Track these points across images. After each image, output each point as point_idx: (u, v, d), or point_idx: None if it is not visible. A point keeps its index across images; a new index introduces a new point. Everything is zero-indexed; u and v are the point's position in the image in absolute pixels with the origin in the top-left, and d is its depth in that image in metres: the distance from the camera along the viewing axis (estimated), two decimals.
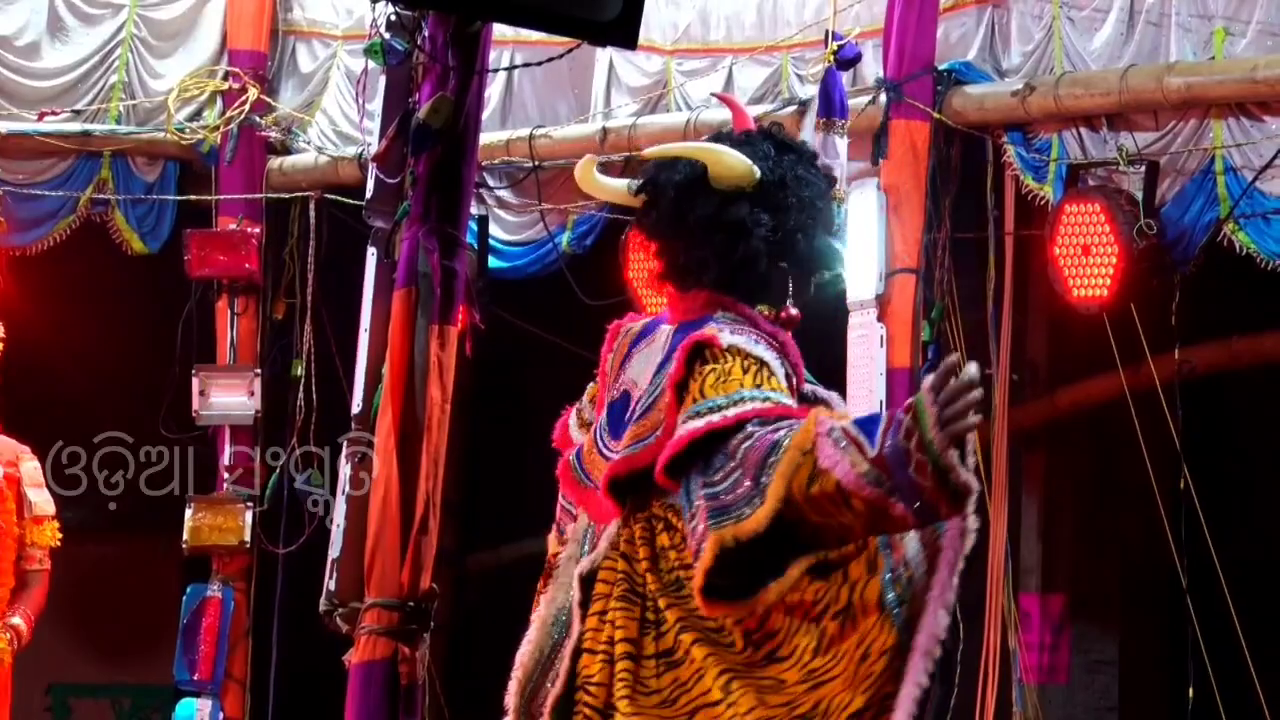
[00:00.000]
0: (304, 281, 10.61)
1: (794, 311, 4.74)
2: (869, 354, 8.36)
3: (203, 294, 10.69)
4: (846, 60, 8.20)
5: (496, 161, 9.91)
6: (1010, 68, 8.59)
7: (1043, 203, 8.46)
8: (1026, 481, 9.85)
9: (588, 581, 4.60)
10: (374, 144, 7.34)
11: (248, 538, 10.35)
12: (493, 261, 9.96)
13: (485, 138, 8.30)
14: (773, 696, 4.36)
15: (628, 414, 4.63)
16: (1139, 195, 8.02)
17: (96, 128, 10.56)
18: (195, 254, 10.53)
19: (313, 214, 10.55)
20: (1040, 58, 8.48)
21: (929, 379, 4.18)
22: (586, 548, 4.68)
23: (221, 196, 10.67)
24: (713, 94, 9.03)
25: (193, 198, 10.71)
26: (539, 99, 10.05)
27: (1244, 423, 10.42)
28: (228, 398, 10.49)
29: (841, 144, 8.13)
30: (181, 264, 10.55)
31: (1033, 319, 9.69)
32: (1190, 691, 8.44)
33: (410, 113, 6.98)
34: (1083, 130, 8.31)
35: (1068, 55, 8.36)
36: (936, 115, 8.51)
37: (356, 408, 7.18)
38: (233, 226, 10.62)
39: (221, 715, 10.38)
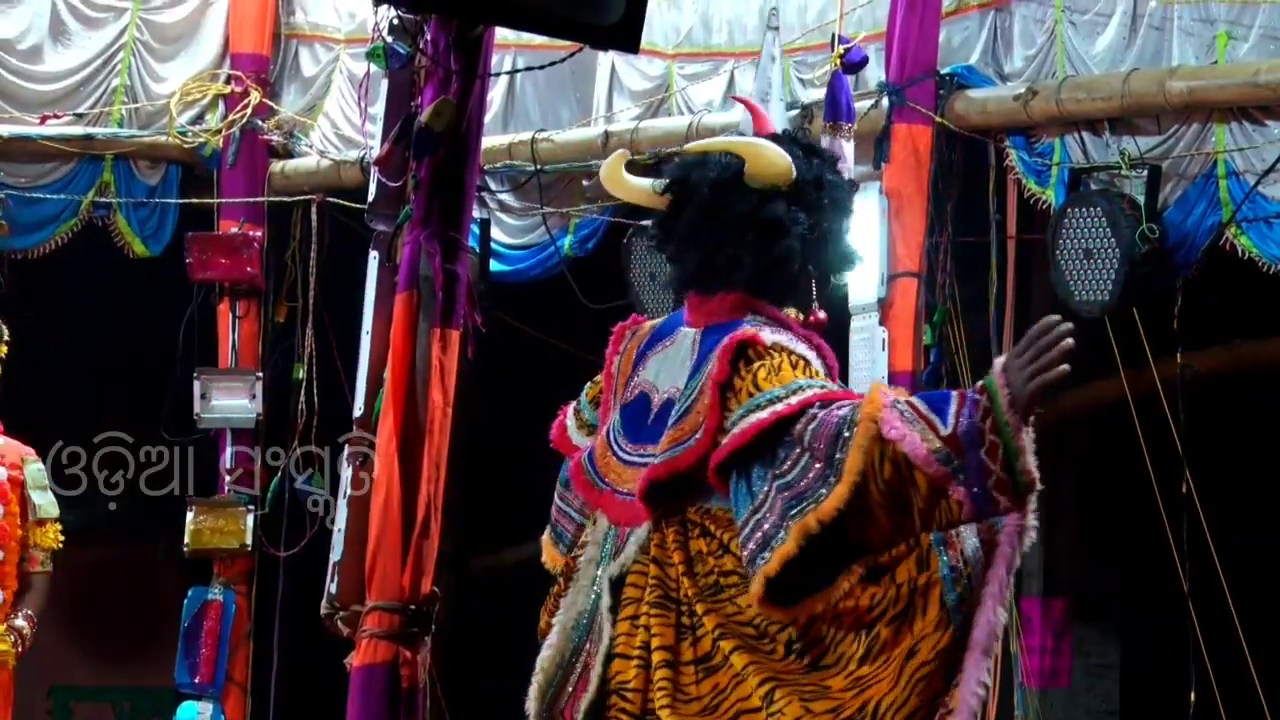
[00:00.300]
0: (305, 285, 10.62)
1: (821, 314, 4.71)
2: (871, 357, 8.36)
3: (204, 297, 10.70)
4: (853, 64, 8.19)
5: (499, 165, 9.91)
6: (1012, 71, 8.59)
7: (1045, 206, 8.46)
8: None
9: (616, 585, 4.55)
10: (376, 147, 7.33)
11: (249, 541, 10.36)
12: (495, 265, 9.97)
13: (487, 141, 8.30)
14: (817, 704, 4.30)
15: (650, 418, 4.58)
16: (1141, 199, 8.02)
17: (99, 131, 10.57)
18: (197, 257, 10.54)
19: (314, 217, 10.56)
20: (1042, 62, 8.48)
21: (1010, 353, 4.10)
22: (609, 550, 4.62)
23: (223, 200, 10.68)
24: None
25: (195, 201, 10.72)
26: (541, 103, 10.05)
27: (1246, 426, 10.41)
28: (229, 401, 10.49)
29: (848, 147, 8.12)
30: (183, 267, 10.56)
31: (1035, 323, 9.67)
32: (1192, 695, 8.43)
33: (412, 116, 6.97)
34: (1085, 134, 8.31)
35: (1070, 59, 8.36)
36: (939, 119, 8.51)
37: (358, 411, 7.17)
38: (235, 230, 10.63)
39: (222, 718, 10.38)
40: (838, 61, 8.11)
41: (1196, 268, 8.01)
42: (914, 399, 4.22)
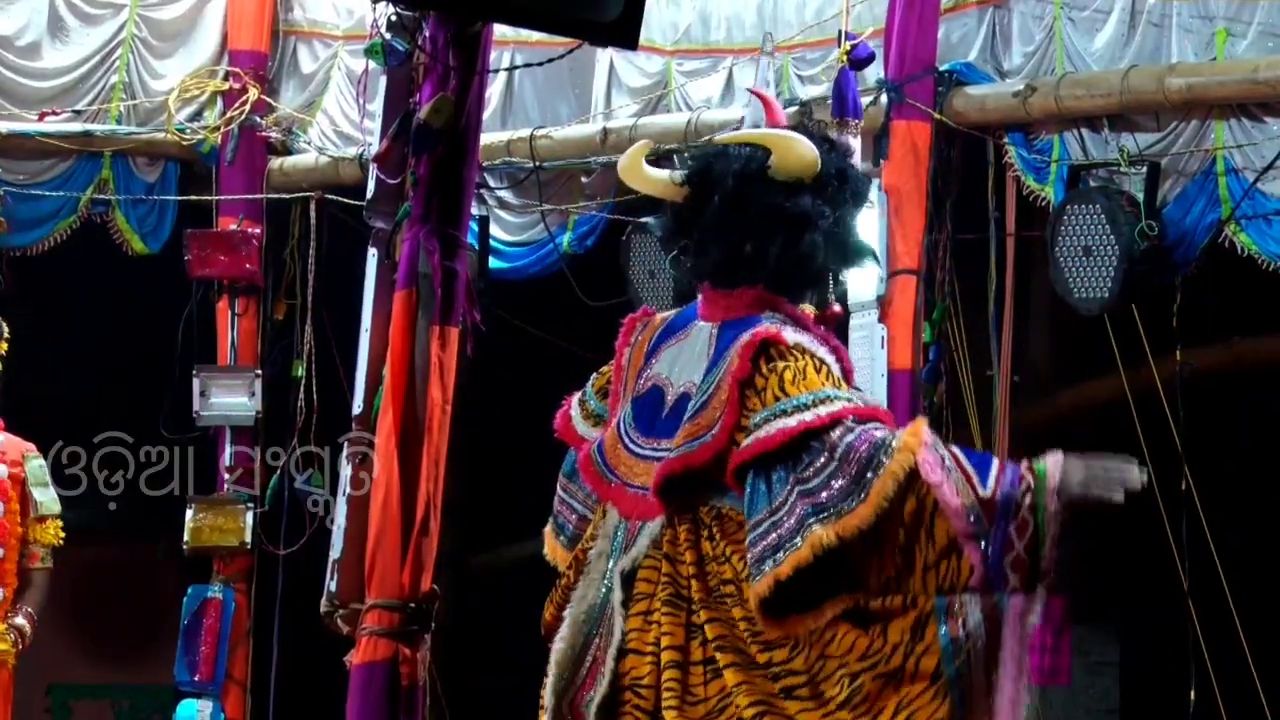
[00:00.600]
0: (304, 282, 10.61)
1: (837, 308, 4.69)
2: (870, 355, 8.35)
3: (203, 294, 10.70)
4: (860, 60, 8.16)
5: (497, 162, 9.91)
6: (1011, 68, 8.58)
7: (1044, 204, 8.45)
8: None
9: (628, 580, 4.52)
10: (375, 144, 7.32)
11: (248, 539, 10.35)
12: (493, 262, 9.96)
13: (486, 138, 8.29)
14: None
15: (664, 412, 4.55)
16: (1140, 196, 8.01)
17: (97, 128, 10.56)
18: (196, 254, 10.53)
19: (313, 214, 10.55)
20: (1041, 58, 8.47)
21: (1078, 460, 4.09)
22: (620, 544, 4.59)
23: (222, 197, 10.67)
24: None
25: (193, 198, 10.72)
26: (540, 99, 10.05)
27: (1246, 424, 10.41)
28: (228, 398, 10.49)
29: (855, 144, 8.10)
30: (182, 264, 10.56)
31: (1034, 320, 9.69)
32: (1192, 693, 8.43)
33: (411, 113, 6.97)
34: (1084, 131, 8.30)
35: (1069, 56, 8.36)
36: (937, 116, 8.50)
37: (357, 409, 7.16)
38: (233, 227, 10.63)
39: (222, 716, 10.38)
40: (844, 58, 8.09)
41: (1196, 265, 8.00)
42: (955, 449, 4.22)
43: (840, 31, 8.30)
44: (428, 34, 6.88)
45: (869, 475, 4.21)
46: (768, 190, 4.52)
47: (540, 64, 8.26)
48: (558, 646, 4.63)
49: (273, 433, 10.42)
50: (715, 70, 9.50)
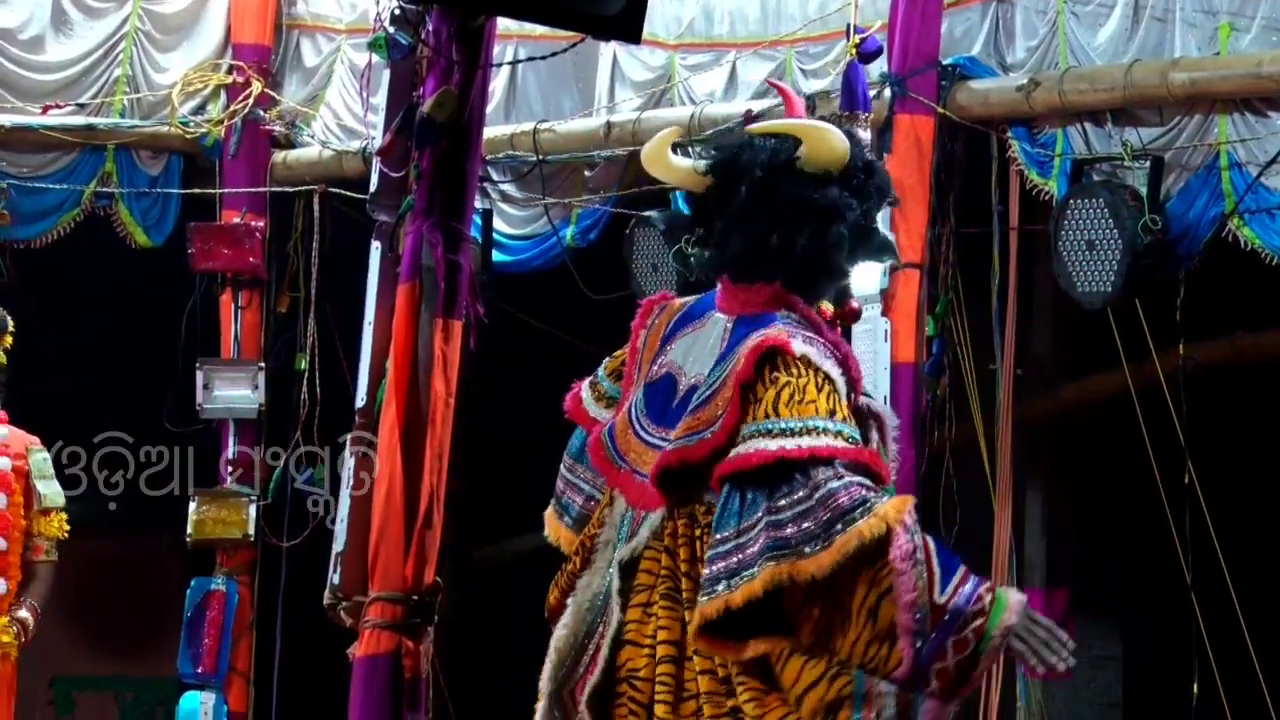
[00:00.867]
0: (308, 275, 10.62)
1: (855, 304, 4.66)
2: (873, 349, 8.35)
3: (207, 288, 10.70)
4: (869, 54, 8.15)
5: (500, 155, 9.91)
6: (1015, 62, 8.58)
7: (1047, 198, 8.45)
8: (1030, 477, 9.84)
9: (628, 570, 4.50)
10: (378, 138, 7.34)
11: (251, 531, 10.36)
12: (497, 255, 9.96)
13: (489, 132, 8.30)
14: None
15: (675, 401, 4.50)
16: (1143, 190, 8.01)
17: (100, 121, 10.56)
18: (199, 248, 10.54)
19: (317, 208, 10.56)
20: (1045, 53, 8.47)
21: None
22: (625, 533, 4.56)
23: (225, 190, 10.68)
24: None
25: (197, 191, 10.72)
26: (543, 93, 10.04)
27: (1249, 419, 10.41)
28: (231, 391, 10.50)
29: (865, 137, 8.09)
30: (185, 258, 10.57)
31: (1037, 314, 9.69)
32: (1195, 687, 8.43)
33: (414, 107, 6.98)
34: (1087, 125, 8.30)
35: (1072, 50, 8.35)
36: (941, 110, 8.50)
37: (360, 402, 7.17)
38: (237, 220, 10.64)
39: (225, 709, 10.39)
40: (853, 51, 8.08)
41: (1199, 259, 8.00)
42: (930, 541, 4.20)
43: (848, 25, 8.29)
44: (431, 28, 6.89)
45: (838, 527, 4.18)
46: (796, 181, 4.46)
47: (544, 57, 8.27)
48: (559, 633, 4.61)
49: (276, 426, 10.43)
50: (719, 64, 9.49)
